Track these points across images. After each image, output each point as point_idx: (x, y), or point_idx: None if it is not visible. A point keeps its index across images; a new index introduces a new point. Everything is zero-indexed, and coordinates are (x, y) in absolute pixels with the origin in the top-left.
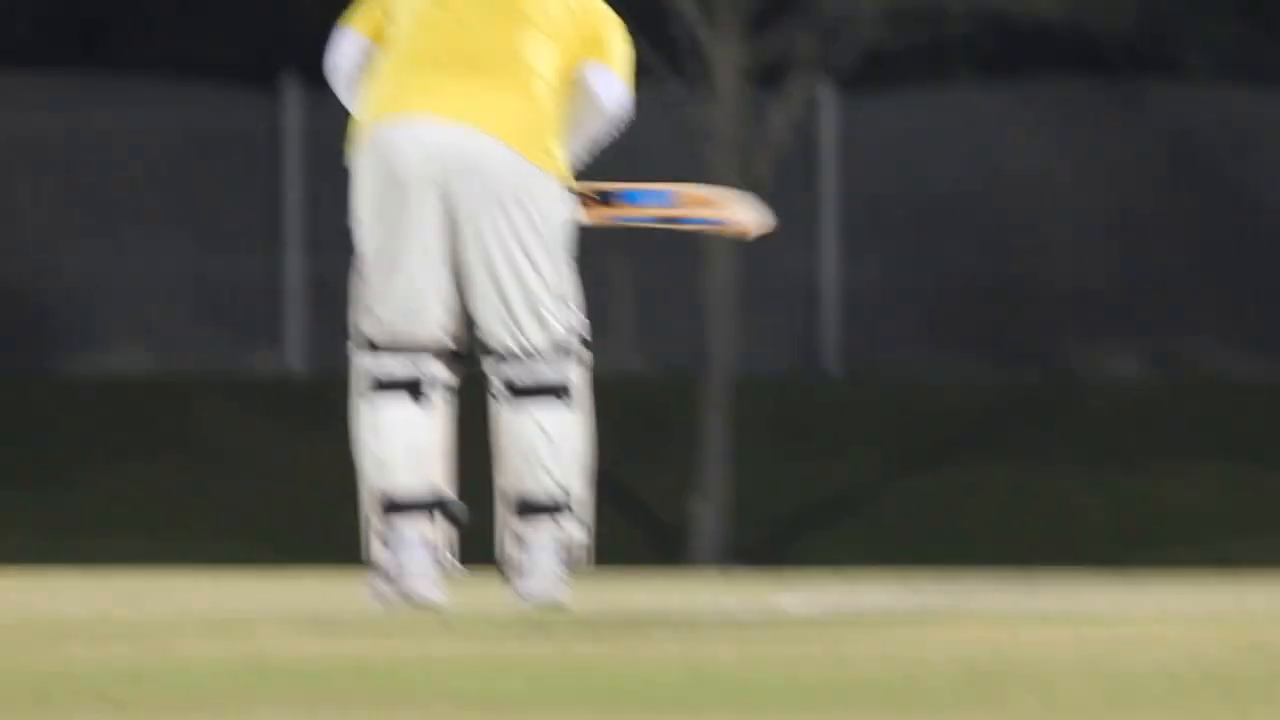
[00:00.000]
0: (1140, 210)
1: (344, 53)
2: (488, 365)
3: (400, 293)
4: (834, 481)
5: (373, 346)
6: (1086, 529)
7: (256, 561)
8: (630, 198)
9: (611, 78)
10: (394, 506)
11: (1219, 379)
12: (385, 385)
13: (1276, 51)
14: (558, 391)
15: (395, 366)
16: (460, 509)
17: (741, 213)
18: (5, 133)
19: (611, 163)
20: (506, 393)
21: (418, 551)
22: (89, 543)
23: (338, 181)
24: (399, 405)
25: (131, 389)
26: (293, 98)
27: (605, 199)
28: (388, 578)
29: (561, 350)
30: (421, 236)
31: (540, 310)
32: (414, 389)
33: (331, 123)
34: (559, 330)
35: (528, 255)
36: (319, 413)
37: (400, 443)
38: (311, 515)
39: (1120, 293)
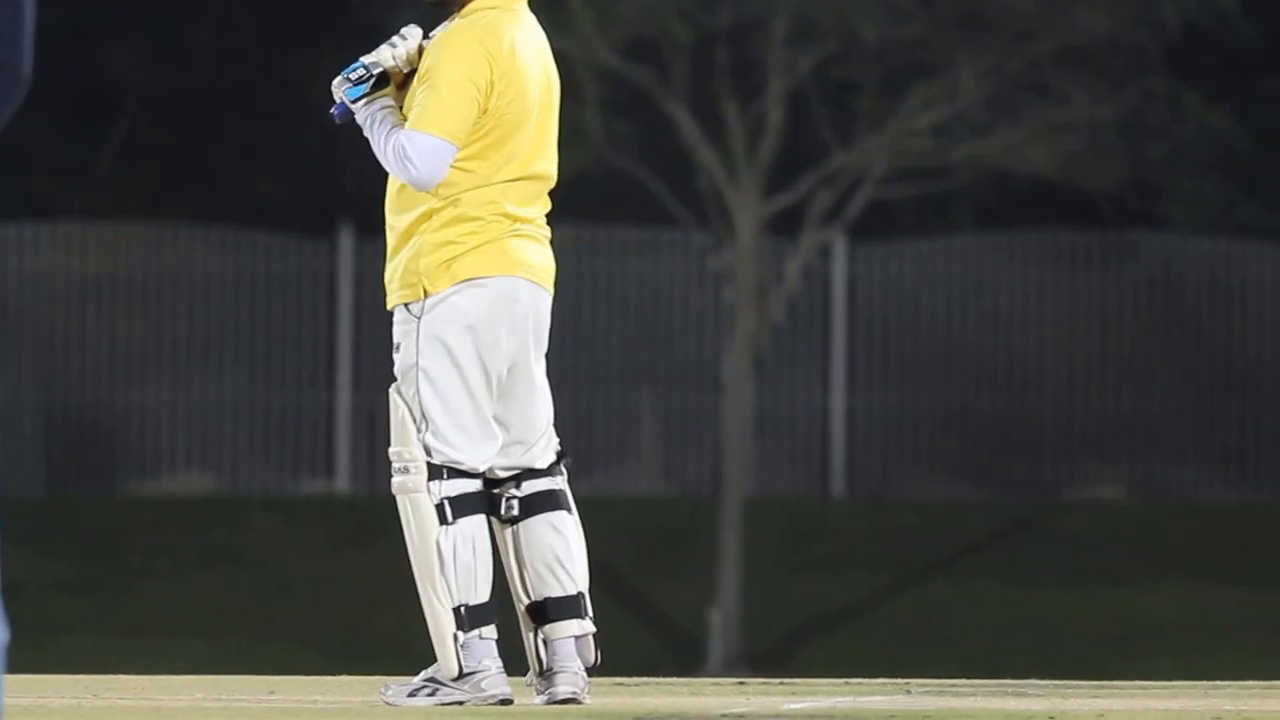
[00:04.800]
0: (1125, 350)
1: (441, 172)
2: (500, 488)
3: (479, 424)
4: (838, 595)
5: (453, 471)
6: (1069, 639)
7: (306, 666)
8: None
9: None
10: (479, 615)
11: (1194, 502)
12: (468, 505)
13: (1252, 208)
14: (561, 499)
15: (472, 487)
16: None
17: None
18: (81, 276)
19: (640, 302)
20: (520, 509)
21: (495, 655)
22: (152, 646)
23: (384, 323)
24: (478, 522)
25: (193, 508)
26: (346, 245)
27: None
28: (473, 684)
29: (558, 465)
30: (497, 376)
31: (549, 431)
32: (486, 506)
33: (380, 269)
34: (556, 446)
35: (542, 383)
36: (363, 531)
37: (482, 556)
38: (355, 623)
39: (1105, 425)
